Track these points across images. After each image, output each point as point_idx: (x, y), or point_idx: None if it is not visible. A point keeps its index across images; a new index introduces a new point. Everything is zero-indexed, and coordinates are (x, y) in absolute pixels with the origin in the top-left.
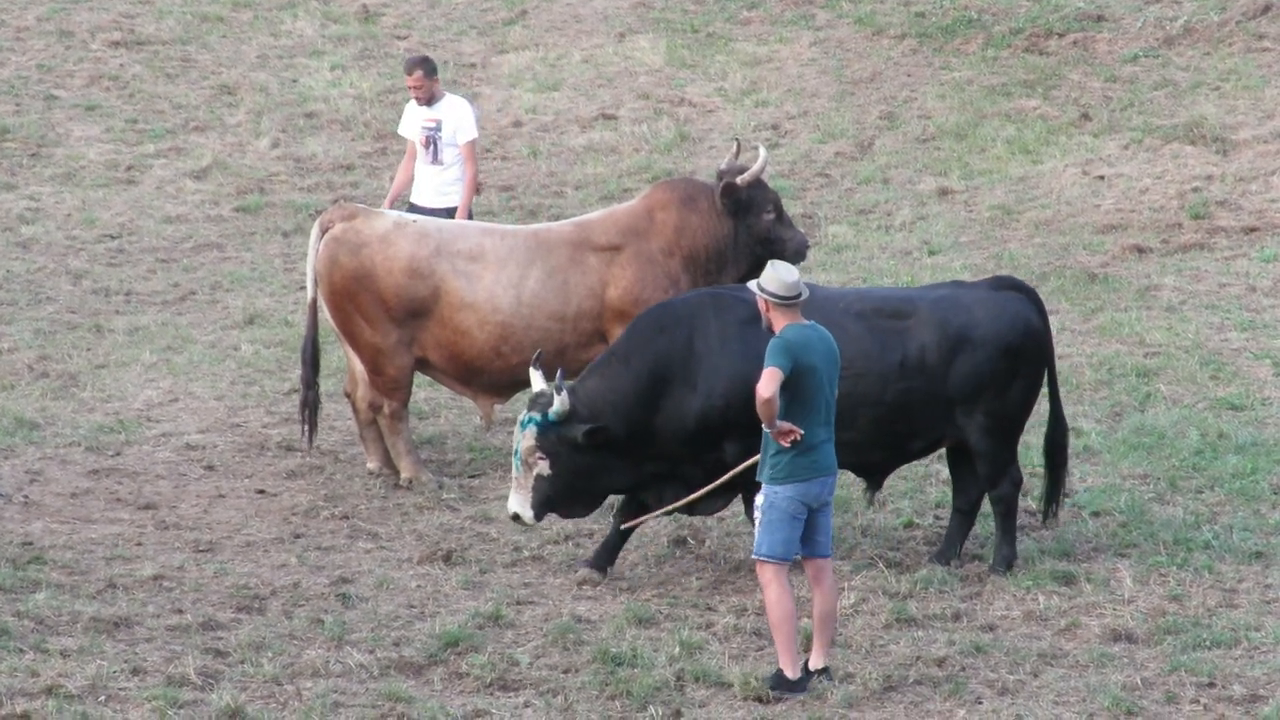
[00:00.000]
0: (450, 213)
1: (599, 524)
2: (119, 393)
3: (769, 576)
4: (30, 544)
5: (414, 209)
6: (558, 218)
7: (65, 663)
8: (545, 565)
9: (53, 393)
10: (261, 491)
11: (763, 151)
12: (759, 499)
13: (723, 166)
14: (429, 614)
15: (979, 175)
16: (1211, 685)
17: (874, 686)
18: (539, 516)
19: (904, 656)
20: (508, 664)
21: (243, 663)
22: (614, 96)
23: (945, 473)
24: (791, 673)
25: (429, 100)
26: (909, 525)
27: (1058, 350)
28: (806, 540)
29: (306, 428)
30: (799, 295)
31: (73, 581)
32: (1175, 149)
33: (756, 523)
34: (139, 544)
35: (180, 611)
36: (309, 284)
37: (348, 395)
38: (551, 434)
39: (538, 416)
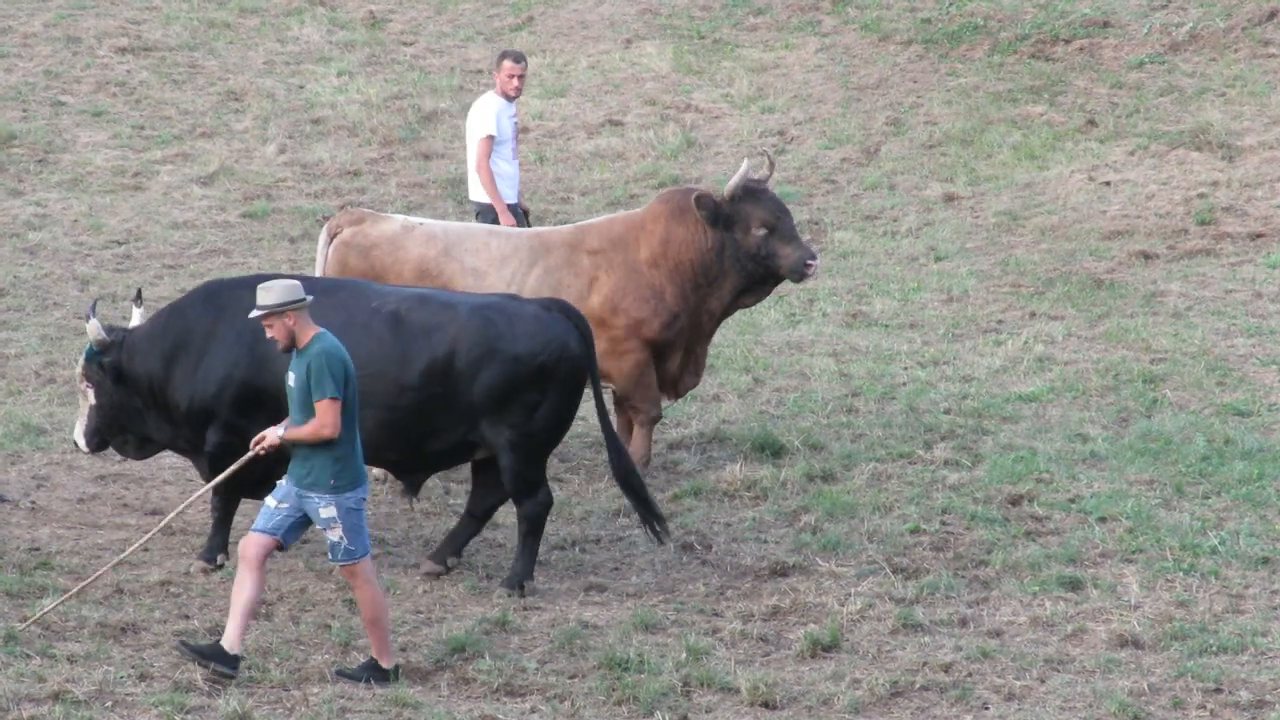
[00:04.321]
0: (514, 206)
1: (605, 530)
2: None
3: (362, 576)
4: (37, 549)
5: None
6: (564, 224)
7: (72, 668)
8: (550, 571)
9: (59, 398)
10: None
11: (744, 164)
12: (329, 511)
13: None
14: (435, 620)
15: (985, 181)
16: (1218, 691)
17: (880, 692)
18: (91, 446)
19: (910, 662)
20: (514, 670)
21: (250, 668)
22: (621, 103)
23: (952, 478)
24: (387, 663)
25: (518, 94)
26: (915, 531)
27: (1064, 356)
28: (289, 528)
29: None
30: (307, 297)
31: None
32: (1181, 155)
33: (333, 534)
34: (146, 550)
35: (187, 617)
36: None
37: None
38: (94, 363)
39: (89, 346)
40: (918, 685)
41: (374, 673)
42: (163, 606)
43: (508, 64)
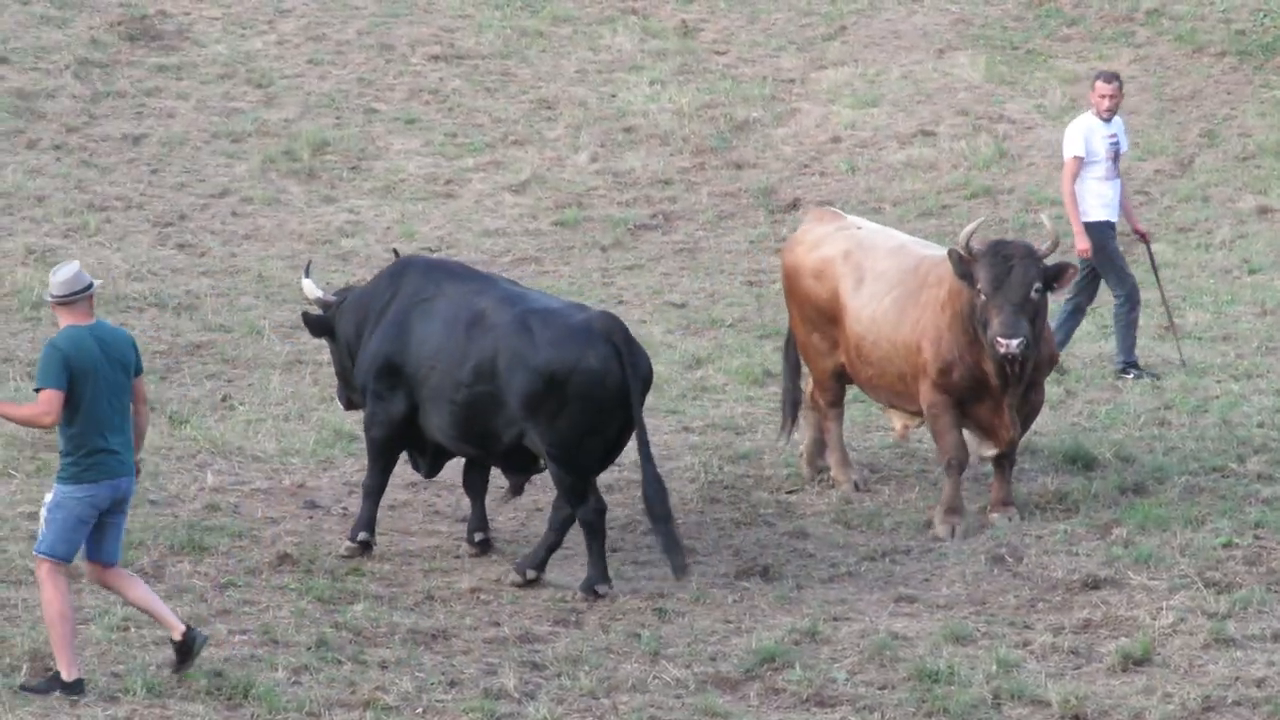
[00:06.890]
0: (1111, 226)
1: (915, 541)
2: None
3: (45, 575)
4: (349, 556)
5: (1102, 226)
6: None
7: (383, 674)
8: (861, 582)
9: None
10: None
11: (971, 225)
12: (48, 497)
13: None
14: (745, 629)
15: None
16: None
17: (1192, 707)
18: (343, 403)
19: (1222, 677)
20: (824, 680)
21: (559, 676)
22: (933, 113)
23: (1265, 492)
24: (68, 674)
25: (1112, 114)
26: (1228, 545)
27: None
28: (96, 547)
29: (788, 422)
30: (80, 291)
31: (391, 593)
32: None
33: (42, 520)
34: (456, 556)
35: (497, 624)
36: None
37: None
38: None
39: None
40: (1230, 700)
41: (58, 685)
42: (473, 613)
43: (1098, 84)
